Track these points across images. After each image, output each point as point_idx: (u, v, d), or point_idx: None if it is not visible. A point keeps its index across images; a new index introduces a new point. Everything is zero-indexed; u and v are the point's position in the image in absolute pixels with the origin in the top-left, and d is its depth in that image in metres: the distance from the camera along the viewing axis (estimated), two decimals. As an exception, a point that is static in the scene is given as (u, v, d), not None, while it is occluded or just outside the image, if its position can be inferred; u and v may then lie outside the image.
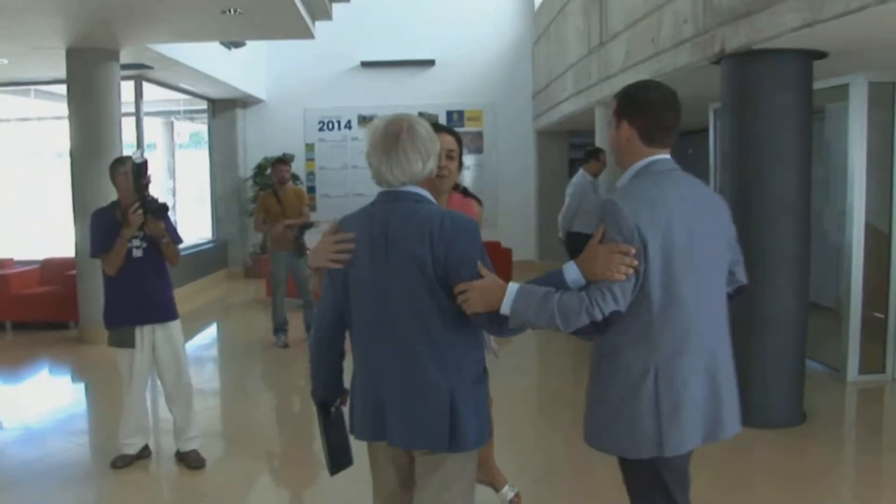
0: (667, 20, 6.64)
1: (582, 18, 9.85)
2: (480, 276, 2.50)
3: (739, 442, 5.34)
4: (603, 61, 8.73)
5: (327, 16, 8.92)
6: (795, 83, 5.56)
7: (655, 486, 2.67)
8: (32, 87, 12.48)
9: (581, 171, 9.16)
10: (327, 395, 2.90)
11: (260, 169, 14.26)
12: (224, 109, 14.57)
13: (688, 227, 2.54)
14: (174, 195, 14.12)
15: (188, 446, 5.22)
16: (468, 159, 14.77)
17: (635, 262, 2.43)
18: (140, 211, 4.77)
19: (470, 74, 14.54)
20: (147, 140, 14.37)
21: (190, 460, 5.17)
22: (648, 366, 2.53)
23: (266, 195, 8.83)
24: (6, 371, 8.27)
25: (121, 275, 4.93)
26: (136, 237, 4.93)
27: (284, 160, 9.15)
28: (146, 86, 11.91)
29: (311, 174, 14.80)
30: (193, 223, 14.56)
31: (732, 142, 5.80)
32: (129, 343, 5.02)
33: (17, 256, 10.98)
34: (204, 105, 14.56)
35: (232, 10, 7.23)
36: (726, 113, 5.85)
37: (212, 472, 5.18)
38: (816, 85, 5.84)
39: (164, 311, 5.11)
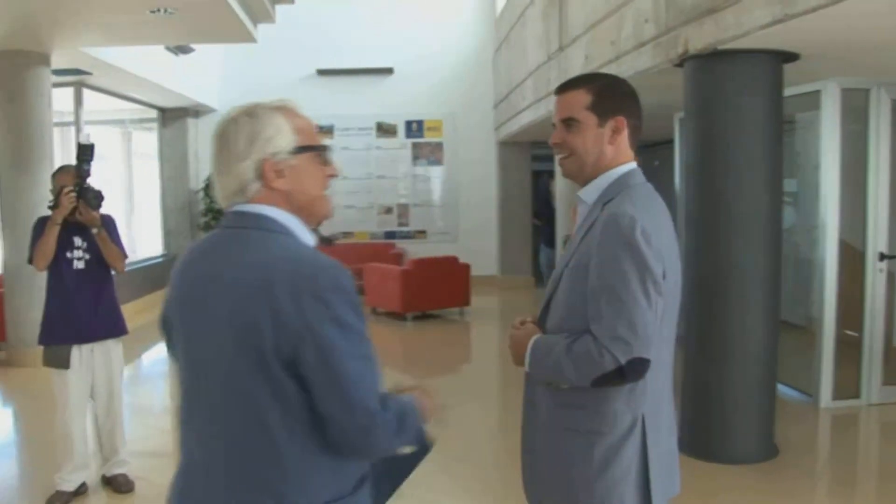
0: (628, 20, 6.21)
1: (541, 23, 9.42)
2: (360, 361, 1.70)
3: (706, 481, 4.96)
4: (562, 67, 8.30)
5: (269, 18, 8.40)
6: (765, 87, 5.11)
7: None
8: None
9: None
10: None
11: (212, 181, 13.69)
12: (175, 119, 13.98)
13: (674, 255, 2.13)
14: (131, 208, 13.61)
15: (115, 470, 4.85)
16: (429, 171, 14.33)
17: None
18: (73, 194, 4.41)
19: (430, 83, 14.05)
20: (98, 152, 13.82)
21: (118, 484, 4.80)
22: (637, 415, 2.09)
23: None
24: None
25: (60, 288, 4.58)
26: (77, 248, 4.58)
27: None
28: (96, 95, 11.38)
29: (265, 186, 14.24)
30: (153, 237, 14.05)
31: (696, 150, 5.36)
32: (62, 363, 4.58)
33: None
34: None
35: (162, 10, 6.72)
36: (690, 119, 5.40)
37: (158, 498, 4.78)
38: (787, 92, 5.43)
39: (106, 328, 4.71)
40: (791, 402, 6.46)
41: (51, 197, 4.57)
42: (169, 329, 1.88)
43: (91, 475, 4.88)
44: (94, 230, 4.54)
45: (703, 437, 5.31)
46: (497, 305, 12.57)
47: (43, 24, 7.39)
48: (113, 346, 4.77)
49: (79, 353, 4.62)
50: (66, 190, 4.42)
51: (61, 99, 10.73)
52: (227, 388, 1.70)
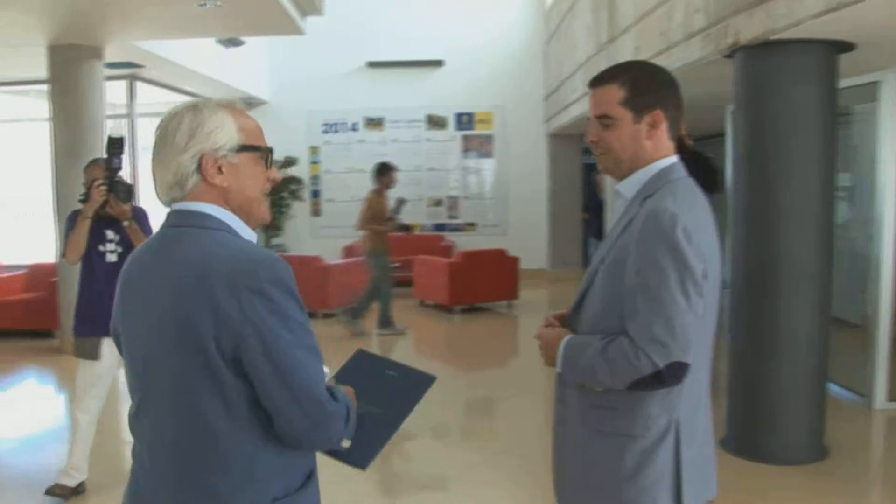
0: (678, 10, 6.08)
1: (591, 14, 9.31)
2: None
3: (751, 481, 4.85)
4: (612, 59, 8.18)
5: (317, 11, 8.41)
6: (818, 78, 4.97)
7: None
8: (31, 87, 12.10)
9: None
10: None
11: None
12: (226, 111, 14.08)
13: (715, 253, 2.01)
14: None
15: None
16: (478, 163, 14.26)
17: None
18: (104, 188, 4.37)
19: (480, 75, 13.98)
20: (147, 142, 14.05)
21: None
22: (672, 419, 1.98)
23: (380, 198, 9.30)
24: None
25: (93, 280, 4.57)
26: (110, 241, 4.58)
27: (394, 167, 9.61)
28: (151, 87, 11.57)
29: (315, 178, 14.34)
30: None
31: (746, 143, 5.22)
32: (92, 355, 4.58)
33: (9, 261, 10.71)
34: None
35: (210, 3, 6.76)
36: (740, 112, 5.26)
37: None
38: (843, 83, 5.27)
39: None
40: (843, 403, 6.29)
41: (83, 190, 4.55)
42: (118, 334, 1.86)
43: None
44: (125, 223, 4.52)
45: (749, 435, 5.20)
46: (546, 299, 12.47)
47: (94, 19, 7.48)
48: None
49: (109, 346, 4.57)
50: (96, 183, 4.39)
51: (116, 91, 10.91)
52: (171, 388, 1.67)
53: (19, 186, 12.92)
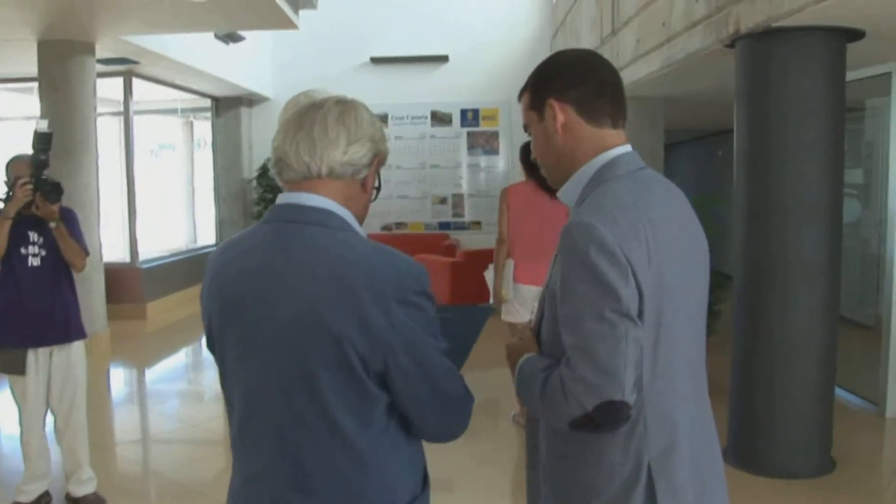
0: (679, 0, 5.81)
1: (595, 6, 9.02)
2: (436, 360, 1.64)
3: (751, 497, 4.57)
4: (615, 51, 7.91)
5: (310, 4, 8.18)
6: (824, 68, 4.68)
7: None
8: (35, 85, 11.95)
9: None
10: None
11: (264, 171, 13.51)
12: (228, 108, 13.91)
13: (679, 261, 1.72)
14: (192, 196, 13.65)
15: (83, 490, 4.49)
16: (484, 160, 13.97)
17: None
18: (29, 186, 4.06)
19: (486, 71, 13.61)
20: (163, 140, 13.91)
21: (88, 502, 4.46)
22: (640, 464, 1.67)
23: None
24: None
25: (13, 287, 4.21)
26: (33, 243, 4.22)
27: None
28: (155, 84, 11.44)
29: (319, 176, 14.09)
30: (209, 226, 14.17)
31: (748, 136, 4.94)
32: (17, 369, 4.25)
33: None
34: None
35: (196, -6, 6.54)
36: (741, 104, 4.99)
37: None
38: (855, 75, 4.99)
39: (63, 332, 4.34)
40: (853, 411, 6.00)
41: (4, 188, 4.23)
42: (214, 340, 1.74)
43: (50, 485, 4.54)
44: (52, 224, 4.19)
45: (749, 446, 4.93)
46: (551, 299, 12.23)
47: (83, 13, 7.28)
48: (74, 351, 4.41)
49: (35, 358, 4.29)
50: (21, 181, 4.08)
51: (114, 88, 10.72)
52: (302, 391, 1.58)
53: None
